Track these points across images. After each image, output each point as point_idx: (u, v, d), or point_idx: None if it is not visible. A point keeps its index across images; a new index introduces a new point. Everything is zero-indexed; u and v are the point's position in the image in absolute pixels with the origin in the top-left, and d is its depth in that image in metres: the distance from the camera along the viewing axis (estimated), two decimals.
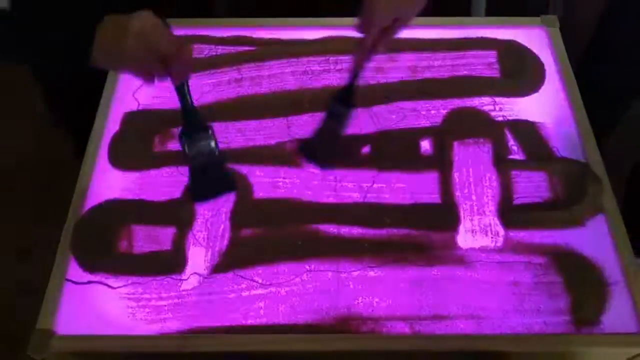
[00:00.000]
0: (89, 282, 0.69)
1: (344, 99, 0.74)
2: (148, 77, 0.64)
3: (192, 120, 0.71)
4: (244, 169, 0.77)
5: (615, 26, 1.01)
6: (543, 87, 0.86)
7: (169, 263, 0.70)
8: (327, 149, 0.78)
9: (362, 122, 0.81)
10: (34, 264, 1.26)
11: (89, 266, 0.70)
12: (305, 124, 0.81)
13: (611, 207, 0.74)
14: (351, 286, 0.68)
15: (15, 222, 1.35)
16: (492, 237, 0.72)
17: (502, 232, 0.72)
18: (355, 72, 0.71)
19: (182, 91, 0.68)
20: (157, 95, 0.85)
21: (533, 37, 0.91)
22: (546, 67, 0.88)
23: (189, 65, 0.68)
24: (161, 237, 0.72)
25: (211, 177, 0.74)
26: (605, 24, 1.04)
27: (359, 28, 0.66)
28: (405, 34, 0.90)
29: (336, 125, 0.76)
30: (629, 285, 0.68)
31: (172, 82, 0.66)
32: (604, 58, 1.06)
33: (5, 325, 1.19)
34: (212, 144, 0.73)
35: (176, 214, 0.73)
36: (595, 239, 0.71)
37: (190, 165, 0.74)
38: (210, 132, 0.73)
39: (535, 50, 0.89)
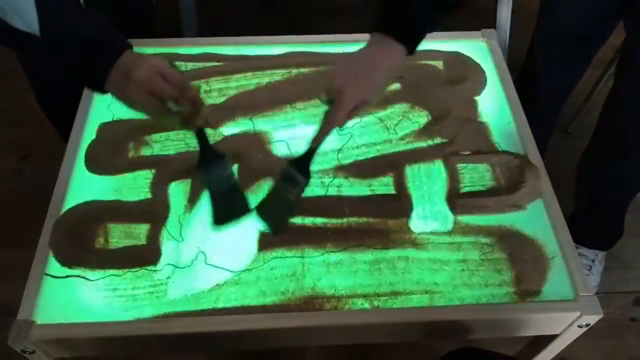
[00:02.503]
0: (67, 277, 0.73)
1: (301, 168, 0.74)
2: (164, 119, 0.67)
3: (209, 152, 0.75)
4: None
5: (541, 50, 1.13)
6: (485, 91, 0.95)
7: (145, 256, 0.74)
8: (280, 214, 0.77)
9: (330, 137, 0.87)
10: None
11: (67, 262, 0.73)
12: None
13: (548, 192, 0.81)
14: (315, 270, 0.74)
15: None
16: (441, 222, 0.79)
17: (451, 217, 0.79)
18: (316, 143, 0.73)
19: (200, 131, 0.73)
20: None
21: (475, 49, 1.01)
22: (487, 73, 0.97)
23: (198, 104, 0.70)
24: (136, 233, 0.76)
25: (231, 202, 0.77)
26: (534, 47, 1.15)
27: (326, 101, 0.71)
28: (359, 47, 1.00)
29: (291, 191, 0.75)
30: (565, 260, 0.75)
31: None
32: (532, 76, 1.17)
33: None
34: (229, 171, 0.77)
35: (150, 212, 0.78)
36: (534, 220, 0.79)
37: (211, 192, 0.76)
38: (226, 159, 0.76)
39: (477, 60, 0.99)
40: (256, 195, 0.79)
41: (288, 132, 0.88)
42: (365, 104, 0.71)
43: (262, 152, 0.85)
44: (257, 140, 0.87)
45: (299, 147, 0.85)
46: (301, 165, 0.74)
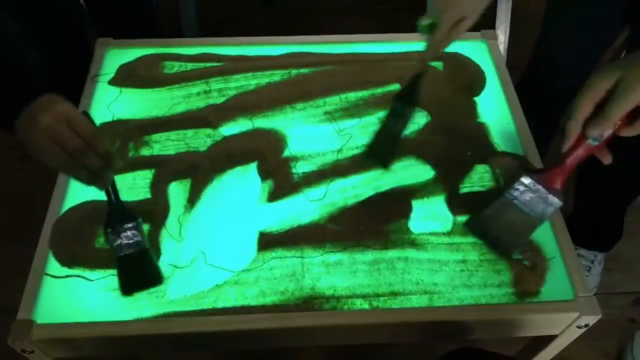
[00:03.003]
0: (67, 276, 0.73)
1: (406, 98, 0.75)
2: (71, 173, 0.63)
3: (118, 212, 0.72)
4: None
5: (547, 53, 1.13)
6: (484, 92, 0.95)
7: None
8: (389, 148, 0.79)
9: (328, 137, 0.88)
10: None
11: (67, 262, 0.74)
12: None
13: None
14: (314, 270, 0.74)
15: None
16: (441, 222, 0.79)
17: (450, 217, 0.79)
18: (419, 71, 0.72)
19: (107, 189, 0.69)
20: (130, 106, 0.91)
21: (474, 50, 1.01)
22: (487, 74, 0.97)
23: (107, 159, 0.64)
24: None
25: (139, 269, 0.72)
26: (539, 49, 1.15)
27: (427, 28, 0.69)
28: (361, 48, 1.01)
29: (397, 124, 0.76)
30: (564, 260, 0.75)
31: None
32: (536, 77, 1.17)
33: None
34: (140, 234, 0.73)
35: (150, 211, 0.78)
36: None
37: (118, 257, 0.72)
38: (137, 221, 0.73)
39: (476, 61, 0.99)
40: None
41: (288, 133, 0.88)
42: (465, 22, 0.68)
43: (277, 151, 0.86)
44: (271, 138, 0.87)
45: (301, 147, 0.86)
46: (406, 96, 0.75)
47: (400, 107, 0.75)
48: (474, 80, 0.97)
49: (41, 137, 0.59)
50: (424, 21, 0.70)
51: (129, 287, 0.71)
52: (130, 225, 0.73)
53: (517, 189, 0.72)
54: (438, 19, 0.68)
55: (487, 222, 0.75)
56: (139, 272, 0.72)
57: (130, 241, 0.72)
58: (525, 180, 0.72)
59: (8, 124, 0.62)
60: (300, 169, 0.84)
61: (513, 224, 0.73)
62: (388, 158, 0.79)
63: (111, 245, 0.72)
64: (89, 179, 0.65)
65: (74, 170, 0.64)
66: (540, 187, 0.71)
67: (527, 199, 0.72)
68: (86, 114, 0.64)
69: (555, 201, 0.71)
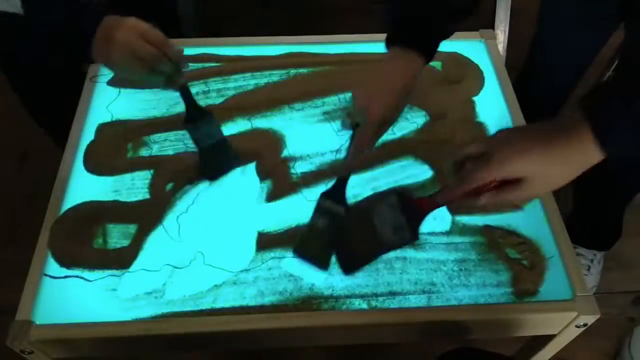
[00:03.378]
0: (66, 277, 0.73)
1: (335, 197, 0.71)
2: (149, 81, 0.69)
3: (195, 109, 0.77)
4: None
5: (542, 52, 1.13)
6: (483, 91, 0.95)
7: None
8: (323, 249, 0.73)
9: (327, 138, 0.88)
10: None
11: (66, 263, 0.74)
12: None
13: (546, 192, 0.82)
14: (313, 270, 0.74)
15: None
16: (439, 222, 0.79)
17: (448, 217, 0.79)
18: (347, 170, 0.71)
19: (183, 89, 0.74)
20: (129, 107, 0.91)
21: (473, 49, 1.01)
22: (485, 74, 0.97)
23: (179, 61, 0.72)
24: (134, 234, 0.77)
25: (219, 156, 0.81)
26: (535, 48, 1.15)
27: (350, 125, 0.69)
28: (359, 48, 1.01)
29: (329, 224, 0.71)
30: (563, 260, 0.75)
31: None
32: (532, 76, 1.17)
33: None
34: (215, 126, 0.79)
35: (149, 212, 0.78)
36: (532, 220, 0.79)
37: (200, 148, 0.80)
38: (212, 116, 0.78)
39: (475, 60, 0.99)
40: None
41: (286, 133, 0.88)
42: (390, 121, 0.70)
43: (275, 151, 0.86)
44: (270, 139, 0.88)
45: (299, 147, 0.86)
46: (336, 195, 0.71)
47: (329, 206, 0.71)
48: (472, 79, 0.97)
49: (119, 51, 0.65)
50: (346, 123, 0.71)
51: (210, 173, 0.80)
52: (206, 120, 0.78)
53: (384, 205, 0.69)
54: (363, 121, 0.67)
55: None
56: (218, 159, 0.81)
57: (207, 133, 0.78)
58: (392, 199, 0.69)
59: (81, 53, 0.68)
60: (298, 169, 0.84)
61: (360, 239, 0.71)
62: (324, 258, 0.73)
63: (193, 139, 0.79)
64: (166, 83, 0.72)
65: (152, 78, 0.70)
66: (402, 213, 0.68)
67: (386, 218, 0.69)
68: (152, 24, 0.70)
69: (406, 237, 0.68)
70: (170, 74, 0.71)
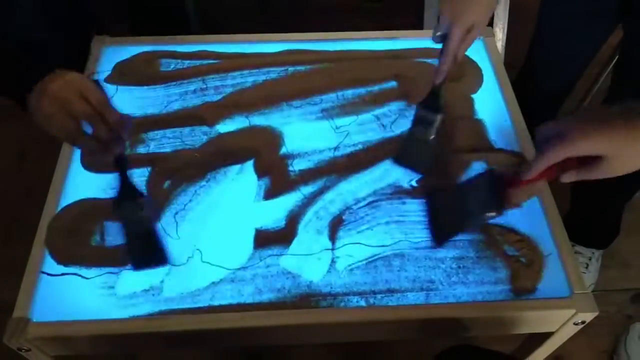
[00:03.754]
0: (63, 274, 0.73)
1: (430, 105, 0.77)
2: (78, 142, 0.61)
3: (126, 187, 0.72)
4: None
5: (541, 50, 1.13)
6: (482, 89, 0.95)
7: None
8: (422, 157, 0.80)
9: (325, 135, 0.88)
10: None
11: (63, 260, 0.73)
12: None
13: (545, 190, 0.81)
14: (312, 267, 0.74)
15: None
16: None
17: None
18: (439, 77, 0.75)
19: (119, 162, 0.67)
20: (127, 104, 0.91)
21: (472, 47, 1.00)
22: (484, 71, 0.97)
23: (119, 130, 0.63)
24: None
25: (145, 248, 0.72)
26: (534, 46, 1.15)
27: (440, 38, 0.72)
28: (357, 45, 1.00)
29: (424, 131, 0.78)
30: (561, 257, 0.75)
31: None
32: (532, 75, 1.17)
33: None
34: (146, 212, 0.72)
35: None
36: (531, 217, 0.79)
37: (125, 233, 0.72)
38: (145, 199, 0.71)
39: (473, 58, 0.99)
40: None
41: (284, 131, 0.88)
42: (474, 31, 0.71)
43: (273, 148, 0.86)
44: (268, 136, 0.87)
45: (297, 144, 0.86)
46: (431, 103, 0.76)
47: (424, 114, 0.78)
48: (471, 77, 0.96)
49: (50, 103, 0.58)
50: (437, 32, 0.73)
51: (135, 263, 0.71)
52: (135, 202, 0.70)
53: (476, 181, 0.73)
54: (450, 30, 0.71)
55: (441, 199, 0.76)
56: (144, 251, 0.71)
57: (135, 218, 0.70)
58: (485, 176, 0.73)
59: (21, 97, 0.60)
60: (296, 166, 0.84)
61: (451, 212, 0.75)
62: (419, 164, 0.81)
63: (118, 220, 0.71)
64: (97, 150, 0.62)
65: (81, 139, 0.61)
66: (490, 189, 0.70)
67: (477, 192, 0.72)
68: (97, 83, 0.63)
69: (491, 210, 0.70)
70: (105, 140, 0.63)
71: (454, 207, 0.75)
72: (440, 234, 0.75)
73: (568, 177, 0.62)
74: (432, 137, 0.78)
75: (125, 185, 0.69)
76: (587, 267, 1.23)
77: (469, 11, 0.70)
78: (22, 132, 1.42)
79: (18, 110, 1.12)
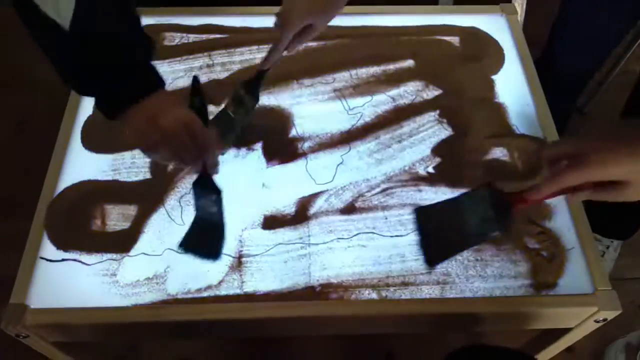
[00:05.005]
0: (63, 260, 0.70)
1: (250, 90, 0.75)
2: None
3: (209, 182, 0.68)
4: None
5: (563, 37, 1.07)
6: (503, 69, 0.90)
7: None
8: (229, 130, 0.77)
9: (337, 117, 0.83)
10: None
11: (63, 244, 0.70)
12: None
13: None
14: (322, 257, 0.70)
15: None
16: None
17: None
18: (265, 65, 0.73)
19: (206, 179, 0.67)
20: None
21: (493, 24, 0.95)
22: (505, 51, 0.92)
23: (212, 168, 0.66)
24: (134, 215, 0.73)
25: (207, 237, 0.69)
26: (555, 32, 1.09)
27: (276, 29, 0.70)
28: (373, 20, 0.95)
29: (237, 111, 0.76)
30: (584, 251, 0.71)
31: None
32: (553, 58, 1.12)
33: None
34: (219, 208, 0.68)
35: (149, 193, 0.75)
36: (552, 208, 0.75)
37: (195, 215, 0.69)
38: (220, 197, 0.68)
39: (495, 36, 0.94)
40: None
41: (294, 111, 0.84)
42: (313, 28, 0.70)
43: (283, 130, 0.82)
44: (277, 116, 0.83)
45: (308, 126, 0.82)
46: (250, 87, 0.75)
47: (242, 95, 0.75)
48: (492, 57, 0.91)
49: (161, 140, 0.58)
50: (277, 23, 0.70)
51: (188, 246, 0.67)
52: (217, 198, 0.68)
53: (472, 196, 0.65)
54: (281, 32, 0.69)
55: (432, 215, 0.66)
56: (204, 240, 0.68)
57: (208, 207, 0.68)
58: (483, 192, 0.63)
59: (109, 107, 0.59)
60: (307, 149, 0.80)
61: (447, 229, 0.65)
62: (228, 136, 0.77)
63: (194, 201, 0.69)
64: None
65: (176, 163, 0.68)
66: (491, 206, 0.62)
67: (475, 210, 0.63)
68: (196, 79, 0.66)
69: (493, 229, 0.61)
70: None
71: (449, 225, 0.66)
72: (435, 254, 0.65)
73: (581, 197, 0.57)
74: (241, 118, 0.76)
75: (208, 179, 0.67)
76: (602, 256, 1.20)
77: (312, 10, 0.68)
78: (20, 100, 1.38)
79: (16, 78, 1.08)
